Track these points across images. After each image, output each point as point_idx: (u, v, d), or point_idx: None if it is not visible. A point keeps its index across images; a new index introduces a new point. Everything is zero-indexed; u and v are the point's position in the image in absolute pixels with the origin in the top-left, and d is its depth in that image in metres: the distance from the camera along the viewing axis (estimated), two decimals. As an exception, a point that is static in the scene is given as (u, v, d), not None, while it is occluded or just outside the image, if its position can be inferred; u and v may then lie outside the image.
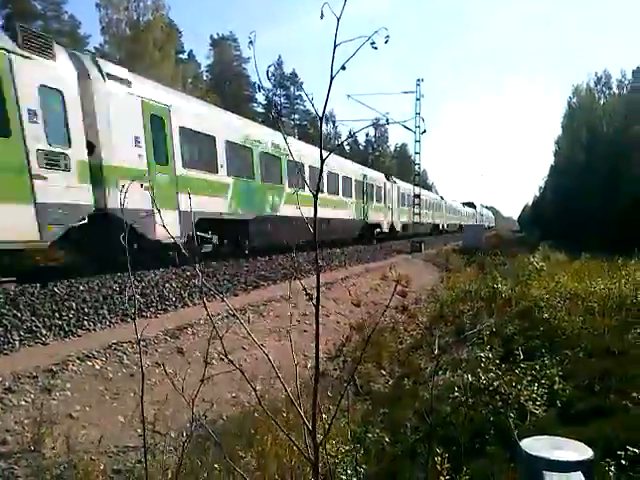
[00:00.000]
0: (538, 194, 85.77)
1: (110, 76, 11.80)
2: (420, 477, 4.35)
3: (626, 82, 44.33)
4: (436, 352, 8.67)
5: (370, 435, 5.41)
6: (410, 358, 9.46)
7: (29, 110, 9.89)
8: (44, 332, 7.77)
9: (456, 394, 6.12)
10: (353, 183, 29.79)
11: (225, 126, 16.90)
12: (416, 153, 35.40)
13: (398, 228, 37.84)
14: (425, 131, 32.21)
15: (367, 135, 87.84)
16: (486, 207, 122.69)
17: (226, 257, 16.66)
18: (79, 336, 7.96)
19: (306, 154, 20.97)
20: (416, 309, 14.12)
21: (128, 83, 12.37)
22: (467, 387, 6.29)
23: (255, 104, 68.59)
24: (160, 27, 32.07)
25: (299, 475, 4.24)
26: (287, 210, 20.32)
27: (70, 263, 11.40)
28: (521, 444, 1.24)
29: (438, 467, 4.04)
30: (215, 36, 64.89)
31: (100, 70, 11.59)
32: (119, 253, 9.46)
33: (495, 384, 5.81)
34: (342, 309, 12.20)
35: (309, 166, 21.74)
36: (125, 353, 7.09)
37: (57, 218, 10.40)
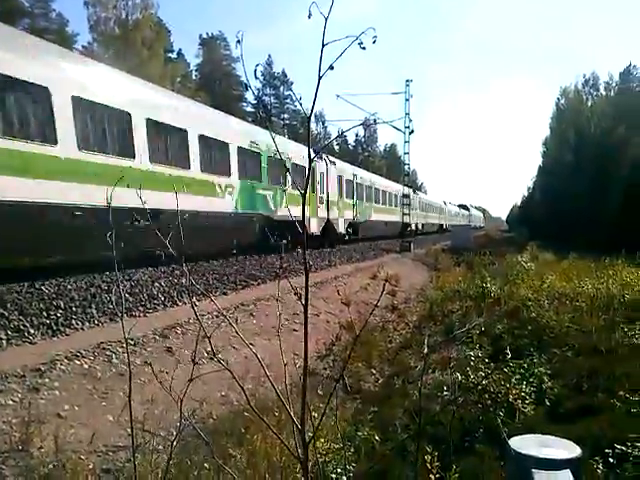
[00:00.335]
0: (526, 194, 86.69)
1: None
2: (410, 476, 4.37)
3: (613, 84, 44.82)
4: (425, 351, 8.70)
5: (360, 434, 5.42)
6: (400, 357, 9.48)
7: None
8: (32, 331, 7.71)
9: (445, 393, 6.15)
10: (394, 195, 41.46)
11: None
12: (405, 153, 35.40)
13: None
14: (413, 131, 32.19)
15: (357, 135, 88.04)
16: (475, 207, 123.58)
17: (216, 257, 16.61)
18: (67, 335, 7.90)
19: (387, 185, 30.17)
20: (406, 308, 14.16)
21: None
22: (456, 386, 6.33)
23: (245, 103, 68.46)
24: (149, 26, 31.93)
25: (289, 474, 4.24)
26: None
27: (58, 262, 11.30)
28: (510, 442, 1.25)
29: (428, 465, 4.06)
30: (204, 35, 64.67)
31: None
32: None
33: (484, 383, 5.85)
34: (332, 308, 12.20)
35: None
36: (114, 352, 7.05)
37: None
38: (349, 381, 8.13)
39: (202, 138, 15.78)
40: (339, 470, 4.34)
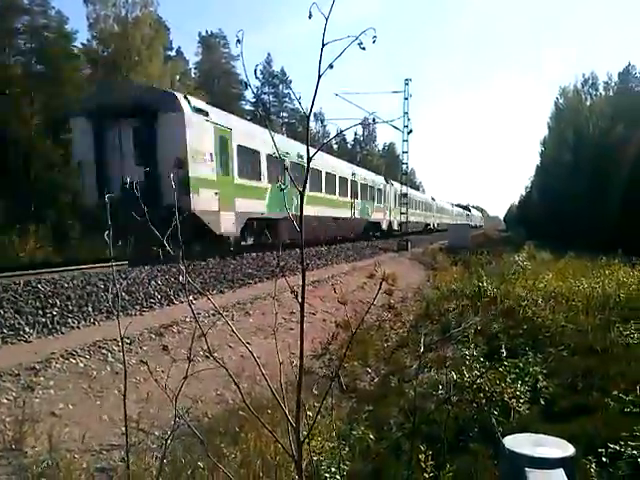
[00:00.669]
0: (524, 194, 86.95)
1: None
2: (404, 474, 4.36)
3: (612, 84, 44.91)
4: (422, 350, 8.70)
5: (355, 432, 5.41)
6: (396, 356, 9.48)
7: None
8: (27, 329, 7.70)
9: (441, 392, 6.15)
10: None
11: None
12: (404, 152, 35.36)
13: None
14: (412, 131, 32.07)
15: (355, 134, 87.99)
16: (474, 207, 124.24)
17: (213, 255, 16.58)
18: (63, 333, 7.89)
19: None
20: (402, 307, 14.17)
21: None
22: (451, 385, 6.33)
23: (243, 102, 68.38)
24: (149, 24, 31.81)
25: (283, 472, 4.23)
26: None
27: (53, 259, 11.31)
28: (504, 441, 1.25)
29: (422, 464, 4.06)
30: (204, 33, 64.58)
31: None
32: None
33: (479, 381, 5.85)
34: (328, 307, 12.21)
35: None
36: (110, 351, 7.04)
37: None
38: (345, 380, 8.13)
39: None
40: (333, 469, 4.33)
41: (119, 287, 10.18)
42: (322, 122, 75.08)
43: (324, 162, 27.34)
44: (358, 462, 4.91)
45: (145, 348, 7.46)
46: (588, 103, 46.09)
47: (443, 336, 9.79)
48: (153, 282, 11.48)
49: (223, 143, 16.71)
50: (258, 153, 19.53)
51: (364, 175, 35.26)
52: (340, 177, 29.70)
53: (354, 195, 31.83)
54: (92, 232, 15.43)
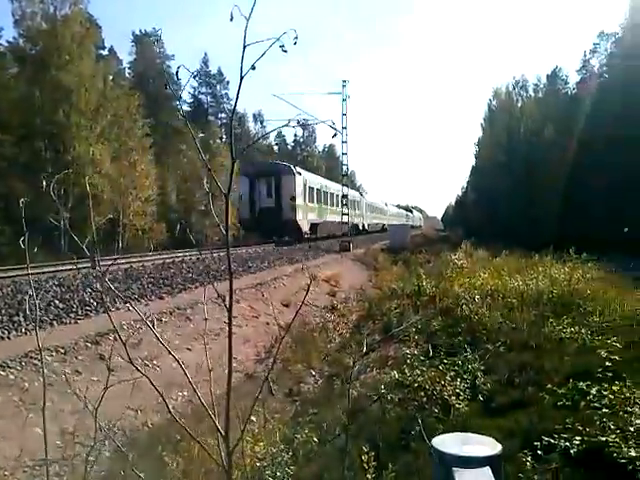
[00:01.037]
0: (460, 194, 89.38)
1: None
2: (347, 475, 4.39)
3: (541, 86, 46.67)
4: (364, 350, 8.79)
5: (298, 436, 5.40)
6: (339, 357, 9.53)
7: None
8: (-48, 342, 7.31)
9: (383, 391, 6.22)
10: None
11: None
12: (343, 154, 35.80)
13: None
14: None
15: (295, 135, 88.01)
16: (413, 207, 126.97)
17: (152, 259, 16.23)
18: (-9, 345, 7.53)
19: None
20: (345, 308, 14.27)
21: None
22: (393, 384, 6.42)
23: (179, 102, 67.25)
24: (79, 21, 30.76)
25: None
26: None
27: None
28: (432, 442, 1.27)
29: (365, 465, 4.09)
30: (137, 32, 62.97)
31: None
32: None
33: (420, 380, 5.96)
34: (271, 310, 12.15)
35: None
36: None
37: None
38: (289, 383, 8.13)
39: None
40: (278, 474, 4.32)
41: (48, 295, 9.83)
42: (262, 123, 74.66)
43: (334, 189, 42.02)
44: (302, 465, 4.91)
45: (80, 358, 7.22)
46: (519, 105, 47.71)
47: (385, 336, 9.92)
48: (88, 289, 11.13)
49: (305, 187, 32.10)
50: (313, 189, 35.23)
51: (351, 193, 43.81)
52: (337, 195, 41.23)
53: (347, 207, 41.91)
54: (248, 231, 32.54)
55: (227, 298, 1.78)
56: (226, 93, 70.48)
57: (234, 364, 8.04)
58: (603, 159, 28.42)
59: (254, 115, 75.94)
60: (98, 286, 11.26)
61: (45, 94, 28.70)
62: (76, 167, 27.55)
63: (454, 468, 1.18)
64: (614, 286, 11.69)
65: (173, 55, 62.39)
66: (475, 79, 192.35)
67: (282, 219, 29.09)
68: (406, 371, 6.37)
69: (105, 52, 47.39)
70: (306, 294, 2.66)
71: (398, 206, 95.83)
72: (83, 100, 29.55)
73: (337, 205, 40.16)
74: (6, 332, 8.09)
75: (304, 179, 32.19)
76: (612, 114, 28.44)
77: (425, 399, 5.84)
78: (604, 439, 4.60)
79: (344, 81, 34.70)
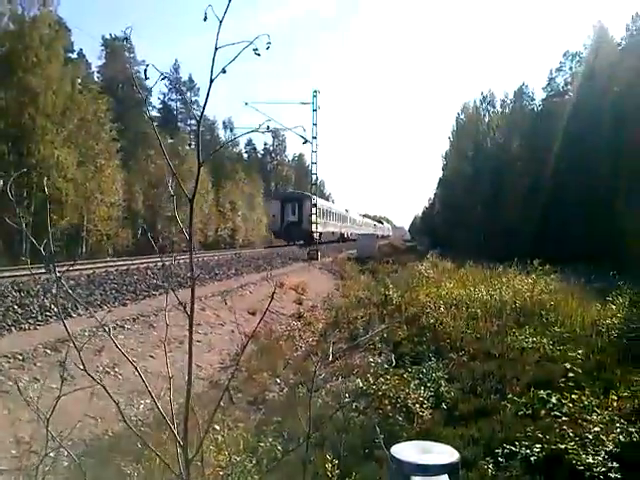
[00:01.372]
0: (427, 205, 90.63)
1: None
2: (310, 484, 4.37)
3: (508, 101, 47.73)
4: (330, 359, 8.77)
5: (262, 444, 5.36)
6: (305, 365, 9.50)
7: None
8: None
9: (347, 400, 6.22)
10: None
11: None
12: (313, 163, 35.96)
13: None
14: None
15: (265, 144, 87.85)
16: (382, 218, 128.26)
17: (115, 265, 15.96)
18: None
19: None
20: (312, 316, 14.24)
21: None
22: (358, 392, 6.42)
23: (150, 107, 66.39)
24: (48, 24, 30.15)
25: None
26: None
27: None
28: (391, 450, 1.27)
29: (328, 474, 4.08)
30: (107, 36, 62.14)
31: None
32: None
33: (384, 388, 5.97)
34: (237, 318, 12.05)
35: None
36: (-1, 369, 6.58)
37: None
38: (254, 392, 8.06)
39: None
40: (241, 483, 4.27)
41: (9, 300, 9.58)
42: (232, 130, 74.28)
43: (334, 209, 56.06)
44: (265, 474, 4.86)
45: (39, 364, 7.04)
46: (486, 119, 48.69)
47: (351, 344, 9.93)
48: (49, 294, 10.86)
49: (316, 208, 37.89)
50: (320, 209, 42.50)
51: (339, 208, 60.62)
52: (335, 212, 55.55)
53: (340, 220, 58.38)
54: (277, 238, 44.27)
55: (188, 305, 1.75)
56: (196, 100, 69.82)
57: (199, 372, 7.96)
58: (567, 174, 29.15)
59: (224, 122, 75.57)
60: (55, 291, 10.99)
61: (10, 96, 28.02)
62: (40, 170, 26.95)
63: (412, 477, 1.18)
64: (575, 297, 11.95)
65: (143, 60, 61.66)
66: (445, 93, 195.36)
67: (302, 230, 40.76)
68: (371, 379, 6.39)
69: (74, 55, 46.63)
70: (270, 302, 2.64)
71: (366, 216, 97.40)
72: (50, 103, 28.89)
73: (334, 220, 54.92)
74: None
75: (321, 204, 44.03)
76: (575, 131, 29.21)
77: (389, 407, 5.86)
78: (563, 446, 4.69)
79: (315, 91, 34.92)
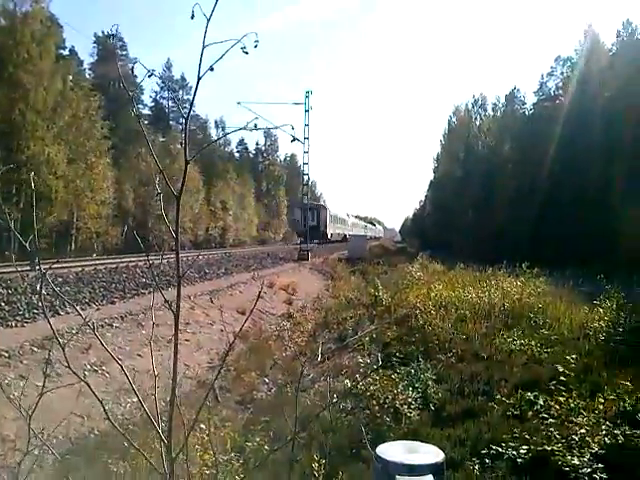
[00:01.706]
0: (418, 207, 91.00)
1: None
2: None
3: (500, 105, 48.00)
4: (319, 359, 8.78)
5: (249, 444, 5.35)
6: (294, 365, 9.48)
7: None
8: None
9: (335, 400, 6.21)
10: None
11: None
12: (304, 164, 36.03)
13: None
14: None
15: (257, 144, 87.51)
16: (373, 219, 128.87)
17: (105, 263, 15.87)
18: None
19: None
20: (302, 316, 14.23)
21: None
22: (347, 393, 6.42)
23: (141, 106, 66.01)
24: (40, 20, 29.91)
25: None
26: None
27: None
28: (377, 450, 1.27)
29: (315, 473, 4.08)
30: (100, 34, 61.75)
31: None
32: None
33: (372, 389, 5.97)
34: (226, 317, 12.02)
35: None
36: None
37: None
38: (242, 391, 8.04)
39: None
40: (228, 481, 4.25)
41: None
42: (223, 129, 73.92)
43: (339, 215, 66.80)
44: (252, 474, 4.85)
45: (25, 362, 6.98)
46: (478, 122, 48.93)
47: (340, 344, 9.93)
48: (37, 291, 10.77)
49: (330, 215, 55.75)
50: (333, 216, 58.99)
51: (342, 213, 71.16)
52: (340, 218, 66.98)
53: (343, 223, 69.32)
54: (299, 237, 52.24)
55: (174, 303, 1.74)
56: (188, 98, 69.66)
57: (187, 371, 7.92)
58: (558, 177, 29.29)
59: (216, 122, 75.19)
60: (42, 289, 10.88)
61: (1, 92, 27.79)
62: (30, 167, 26.72)
63: (397, 476, 1.18)
64: (564, 300, 12.01)
65: (136, 58, 61.28)
66: (437, 96, 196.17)
67: (320, 231, 52.77)
68: (359, 380, 6.39)
69: (66, 52, 46.22)
70: (256, 301, 2.64)
71: (358, 217, 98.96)
72: (41, 100, 28.66)
73: (339, 224, 66.77)
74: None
75: (330, 211, 58.06)
76: (567, 135, 29.37)
77: (377, 408, 5.86)
78: (549, 448, 4.71)
79: (307, 92, 34.97)
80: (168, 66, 68.92)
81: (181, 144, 52.24)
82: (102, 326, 8.12)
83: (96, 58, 57.51)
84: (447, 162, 53.57)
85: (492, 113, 49.00)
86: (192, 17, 1.59)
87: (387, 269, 24.16)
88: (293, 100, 36.37)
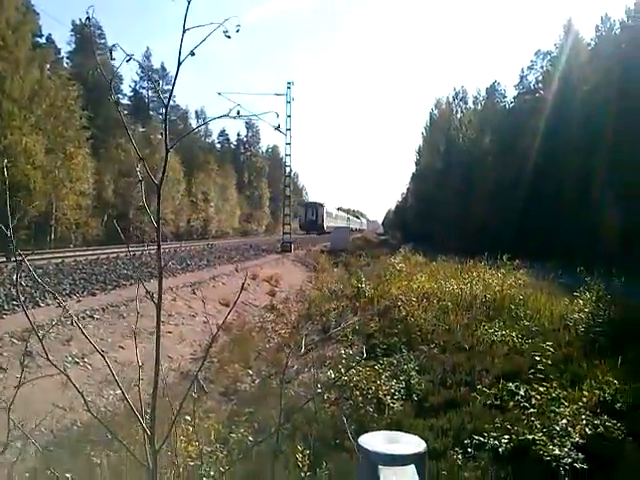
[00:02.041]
0: (400, 200, 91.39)
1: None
2: (282, 474, 4.38)
3: (481, 98, 48.26)
4: (302, 350, 8.80)
5: (234, 435, 5.35)
6: (277, 356, 9.49)
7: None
8: None
9: (319, 390, 6.23)
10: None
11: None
12: (287, 155, 35.84)
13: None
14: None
15: (239, 135, 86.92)
16: (355, 211, 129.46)
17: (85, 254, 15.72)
18: None
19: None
20: (285, 308, 14.23)
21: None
22: (330, 383, 6.44)
23: (121, 95, 65.14)
24: (15, 7, 29.35)
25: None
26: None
27: None
28: (359, 440, 1.28)
29: (299, 464, 4.09)
30: (77, 22, 60.71)
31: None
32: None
33: (355, 379, 6.00)
34: (209, 309, 11.98)
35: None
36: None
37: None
38: (225, 382, 8.03)
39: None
40: (212, 473, 4.25)
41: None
42: (204, 120, 73.21)
43: (334, 211, 79.46)
44: (237, 464, 4.86)
45: (6, 354, 6.90)
46: (459, 115, 49.12)
47: (323, 336, 9.96)
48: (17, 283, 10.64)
49: (326, 211, 67.03)
50: (330, 213, 71.89)
51: (337, 211, 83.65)
52: (332, 213, 74.88)
53: (335, 217, 77.29)
54: (302, 229, 63.51)
55: (156, 295, 1.73)
56: (169, 88, 68.77)
57: (170, 364, 7.88)
58: (538, 170, 29.54)
59: (196, 112, 74.52)
60: (22, 282, 10.76)
61: (-25, 80, 27.27)
62: (8, 158, 26.29)
63: (380, 466, 1.19)
64: (544, 292, 12.16)
65: (114, 45, 60.34)
66: (419, 88, 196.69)
67: (318, 225, 62.32)
68: (342, 371, 6.42)
69: (43, 40, 45.40)
70: (239, 293, 2.63)
71: (341, 209, 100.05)
72: (17, 88, 28.16)
73: (332, 218, 74.25)
74: None
75: (327, 208, 67.88)
76: (547, 128, 29.63)
77: (361, 398, 5.90)
78: (531, 437, 4.78)
79: (289, 83, 34.81)
80: (147, 55, 67.84)
81: (161, 134, 51.58)
82: (83, 318, 8.04)
83: (74, 47, 56.58)
84: (429, 154, 53.75)
85: (473, 106, 49.19)
86: (173, -1, 1.57)
87: (370, 261, 24.24)
88: (275, 91, 36.07)
